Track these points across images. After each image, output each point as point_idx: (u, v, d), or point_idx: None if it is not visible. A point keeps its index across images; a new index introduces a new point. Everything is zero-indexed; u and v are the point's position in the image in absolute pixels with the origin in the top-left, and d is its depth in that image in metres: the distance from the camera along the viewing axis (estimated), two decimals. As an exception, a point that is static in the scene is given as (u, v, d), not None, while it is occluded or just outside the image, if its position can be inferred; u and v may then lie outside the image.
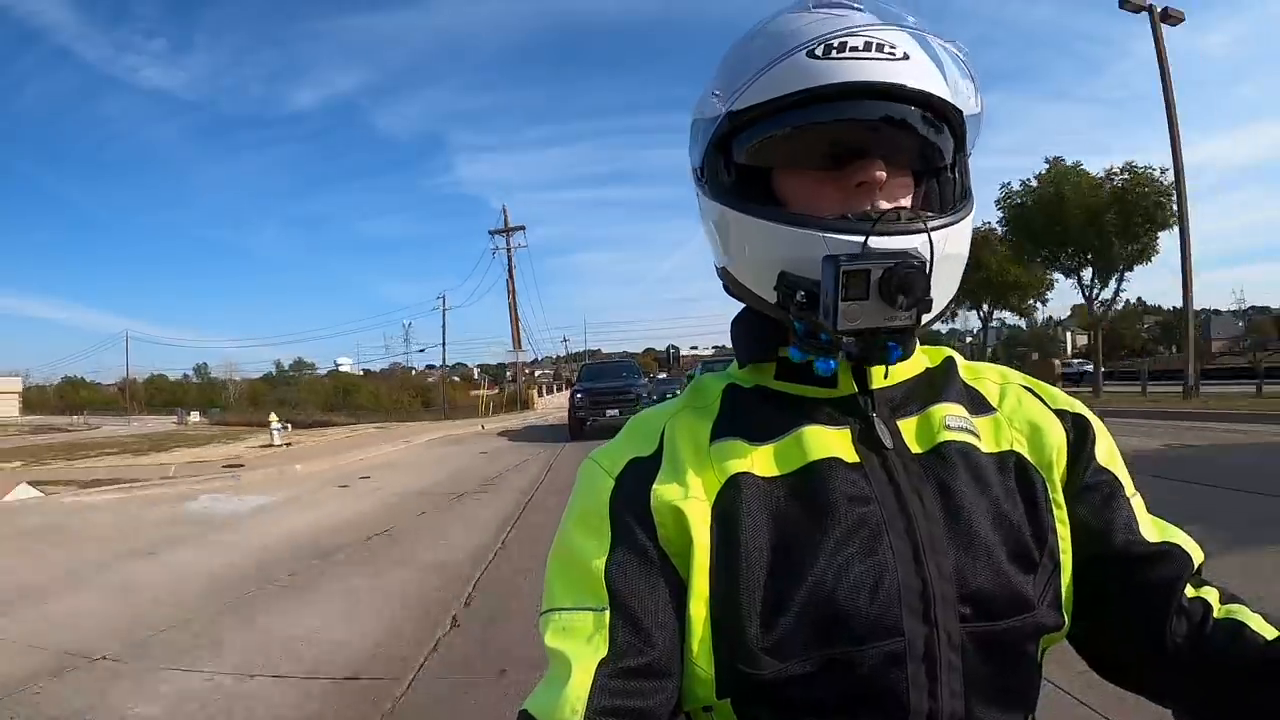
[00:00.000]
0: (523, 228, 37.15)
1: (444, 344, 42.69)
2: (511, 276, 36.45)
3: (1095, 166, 20.95)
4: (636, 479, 0.56)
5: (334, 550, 5.27)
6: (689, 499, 0.54)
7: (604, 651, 0.51)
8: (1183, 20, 16.38)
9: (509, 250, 36.47)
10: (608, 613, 0.52)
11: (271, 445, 14.14)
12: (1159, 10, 16.13)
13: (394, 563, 4.91)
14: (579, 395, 15.11)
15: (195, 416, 34.47)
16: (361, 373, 61.82)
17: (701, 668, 0.52)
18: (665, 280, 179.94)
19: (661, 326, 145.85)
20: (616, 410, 14.10)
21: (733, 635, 0.51)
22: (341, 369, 63.95)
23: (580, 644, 0.51)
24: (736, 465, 0.55)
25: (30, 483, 8.92)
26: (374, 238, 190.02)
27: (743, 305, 0.62)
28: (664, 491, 0.55)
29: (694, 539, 0.53)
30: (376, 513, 6.92)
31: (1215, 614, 0.54)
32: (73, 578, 4.66)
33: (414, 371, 67.48)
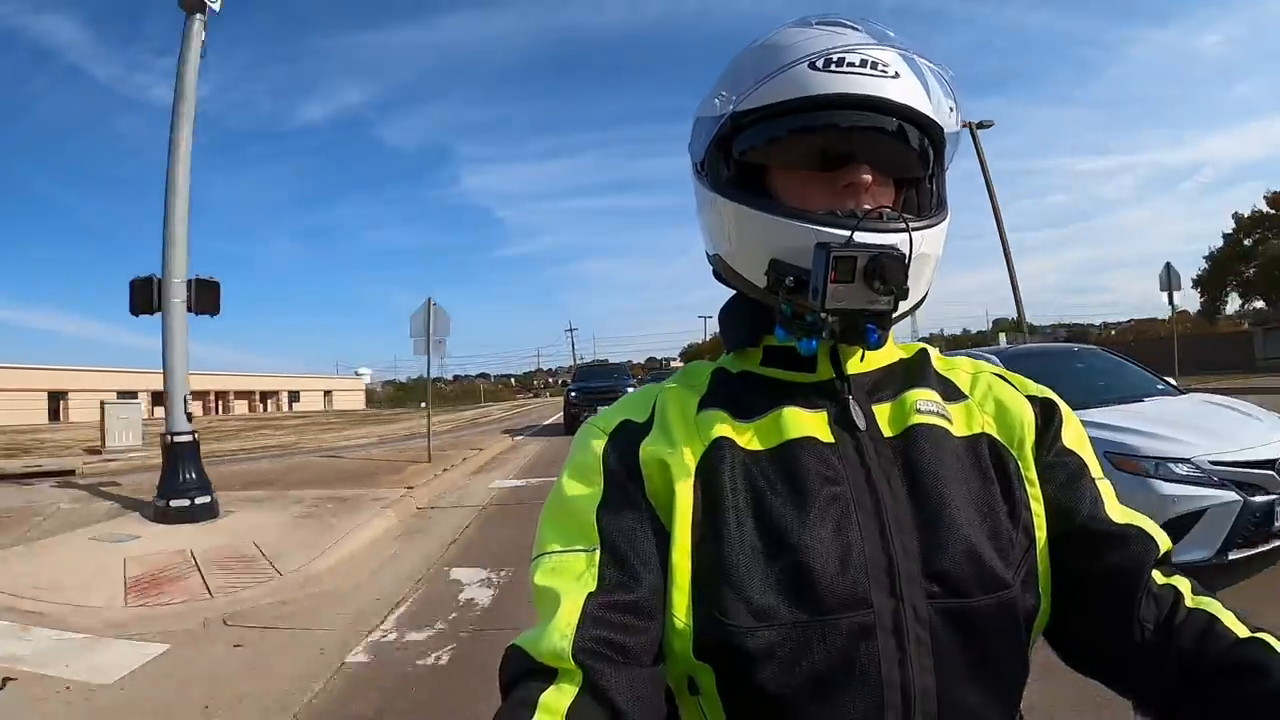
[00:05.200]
0: (577, 328, 68.86)
1: (539, 378, 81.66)
2: (574, 348, 73.69)
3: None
4: (628, 438, 0.61)
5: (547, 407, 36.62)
6: (675, 459, 0.58)
7: (593, 585, 0.53)
8: (993, 126, 18.42)
9: (572, 335, 73.77)
10: (598, 551, 0.55)
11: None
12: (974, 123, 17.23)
13: (542, 417, 25.91)
14: (573, 394, 16.63)
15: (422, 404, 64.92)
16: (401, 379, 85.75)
17: (680, 619, 0.55)
18: (671, 286, 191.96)
19: (665, 335, 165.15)
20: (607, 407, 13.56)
21: (713, 587, 0.54)
22: (361, 375, 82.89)
23: (570, 580, 0.54)
24: (720, 432, 0.59)
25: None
26: (381, 248, 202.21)
27: (731, 295, 0.67)
28: (652, 449, 0.59)
29: (678, 494, 0.56)
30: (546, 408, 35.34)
31: (1186, 603, 0.56)
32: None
33: (475, 379, 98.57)
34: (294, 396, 60.44)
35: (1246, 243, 31.52)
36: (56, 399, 45.39)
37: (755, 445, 0.59)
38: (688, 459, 0.58)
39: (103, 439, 14.29)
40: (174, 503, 6.03)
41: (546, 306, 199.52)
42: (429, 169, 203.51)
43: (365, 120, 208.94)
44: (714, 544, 0.55)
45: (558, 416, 17.68)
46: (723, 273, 0.66)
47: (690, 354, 68.54)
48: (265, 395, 57.44)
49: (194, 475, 6.24)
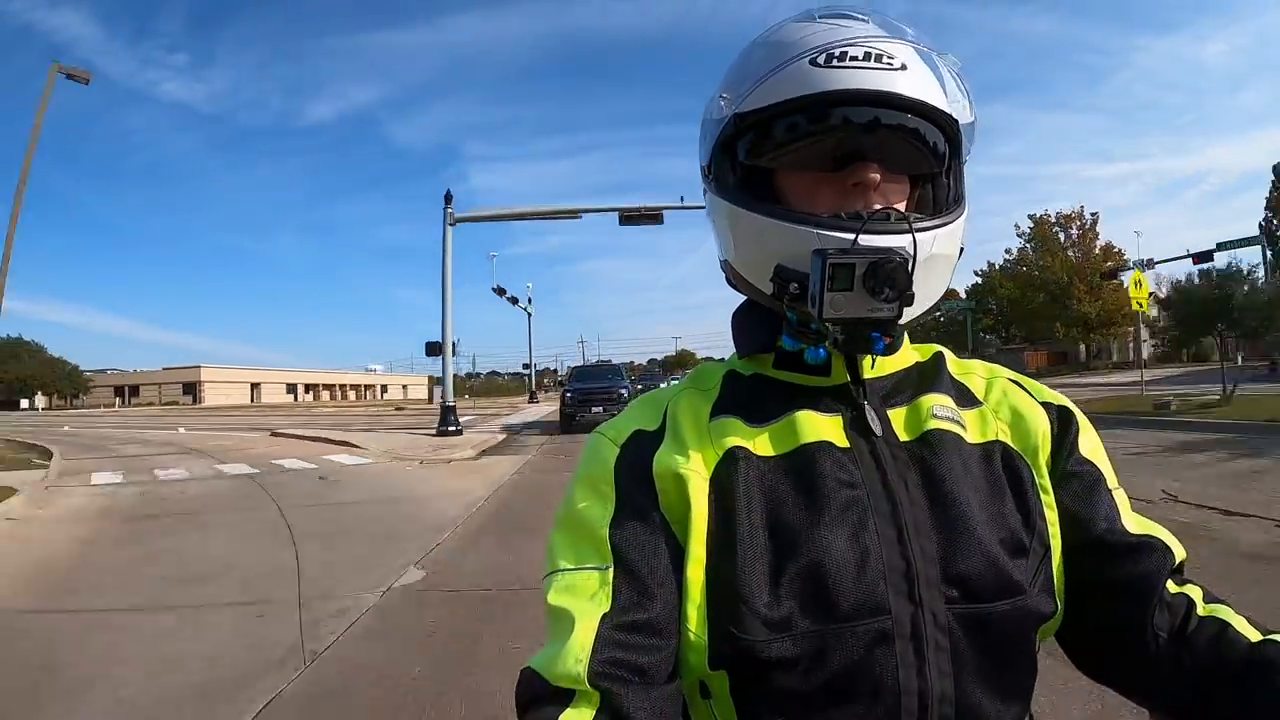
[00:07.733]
0: (586, 341, 73.01)
1: (549, 378, 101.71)
2: (583, 355, 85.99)
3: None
4: (640, 448, 0.59)
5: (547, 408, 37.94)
6: (689, 469, 0.56)
7: (607, 606, 0.52)
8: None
9: (582, 346, 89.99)
10: (611, 570, 0.54)
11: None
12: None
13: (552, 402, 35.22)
14: (569, 394, 16.71)
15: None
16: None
17: (695, 632, 0.53)
18: (676, 288, 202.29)
19: (671, 338, 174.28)
20: (601, 408, 15.42)
21: (727, 601, 0.53)
22: (372, 370, 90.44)
23: (584, 600, 0.53)
24: (734, 440, 0.58)
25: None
26: (388, 246, 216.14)
27: (742, 299, 0.66)
28: (666, 460, 0.57)
29: (693, 506, 0.55)
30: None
31: (1199, 611, 0.56)
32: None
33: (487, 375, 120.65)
34: (384, 389, 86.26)
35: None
36: (253, 388, 70.52)
37: (769, 450, 0.58)
38: (702, 471, 0.57)
39: (429, 399, 40.99)
40: (540, 394, 37.73)
41: (554, 305, 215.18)
42: (437, 167, 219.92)
43: (374, 119, 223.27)
44: (728, 557, 0.54)
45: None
46: (733, 279, 0.64)
47: (667, 366, 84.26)
48: (366, 388, 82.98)
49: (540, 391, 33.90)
